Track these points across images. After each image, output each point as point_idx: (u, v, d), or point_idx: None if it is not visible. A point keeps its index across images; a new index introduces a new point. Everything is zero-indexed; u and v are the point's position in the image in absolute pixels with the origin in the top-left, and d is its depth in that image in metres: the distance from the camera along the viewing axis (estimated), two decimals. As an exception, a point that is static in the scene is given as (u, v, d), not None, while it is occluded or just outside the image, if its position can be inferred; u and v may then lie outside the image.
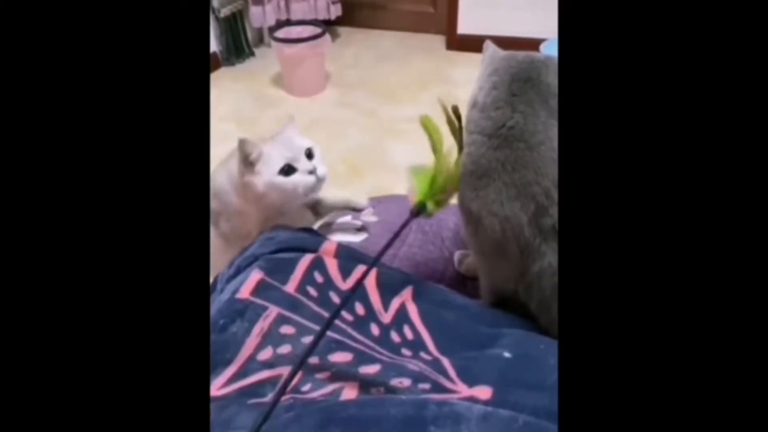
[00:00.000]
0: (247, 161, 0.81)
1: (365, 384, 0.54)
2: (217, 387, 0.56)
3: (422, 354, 0.58)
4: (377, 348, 0.59)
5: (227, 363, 0.58)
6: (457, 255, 0.87)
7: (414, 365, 0.56)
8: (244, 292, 0.64)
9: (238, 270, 0.69)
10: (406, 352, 0.59)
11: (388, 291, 0.65)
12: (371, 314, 0.63)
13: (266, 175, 0.80)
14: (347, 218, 1.00)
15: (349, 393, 0.54)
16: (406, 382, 0.54)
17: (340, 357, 0.57)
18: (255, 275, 0.66)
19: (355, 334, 0.60)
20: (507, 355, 0.55)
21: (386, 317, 0.62)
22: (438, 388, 0.52)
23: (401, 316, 0.62)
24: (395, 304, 0.64)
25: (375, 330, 0.61)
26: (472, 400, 0.49)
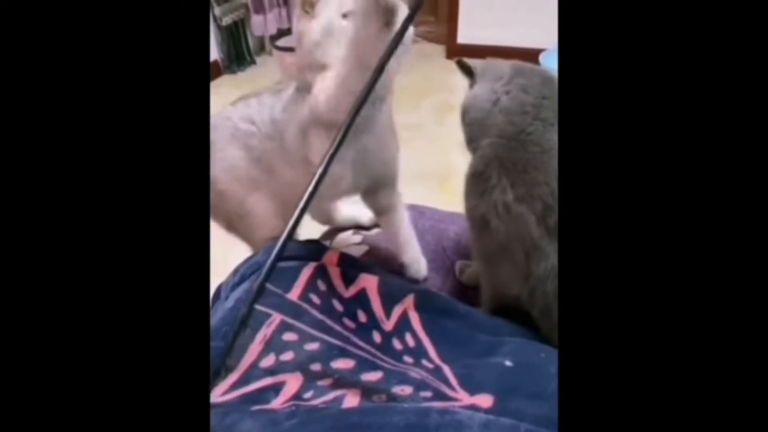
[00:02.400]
0: (306, 2, 0.63)
1: (367, 391, 0.54)
2: (220, 393, 0.56)
3: (424, 361, 0.59)
4: (379, 355, 0.59)
5: (229, 370, 0.58)
6: (458, 265, 0.88)
7: (416, 373, 0.56)
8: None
9: (243, 278, 0.70)
10: (407, 359, 0.59)
11: (389, 298, 0.65)
12: (373, 321, 0.63)
13: (325, 17, 0.62)
14: (348, 233, 1.00)
15: (351, 400, 0.54)
16: (408, 389, 0.54)
17: (342, 364, 0.58)
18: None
19: (357, 340, 0.60)
20: (508, 363, 0.56)
21: (388, 325, 0.63)
22: (439, 395, 0.53)
23: (403, 324, 0.63)
24: (397, 311, 0.64)
25: (377, 337, 0.61)
26: (474, 408, 0.50)
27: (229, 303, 0.67)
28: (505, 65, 0.70)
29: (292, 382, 0.57)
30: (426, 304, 0.66)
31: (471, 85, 0.73)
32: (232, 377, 0.58)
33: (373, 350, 0.60)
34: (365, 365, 0.58)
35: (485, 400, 0.51)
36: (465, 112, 0.71)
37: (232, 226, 0.87)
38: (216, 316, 0.66)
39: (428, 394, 0.53)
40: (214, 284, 0.84)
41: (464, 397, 0.52)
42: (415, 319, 0.63)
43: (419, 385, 0.54)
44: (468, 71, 0.72)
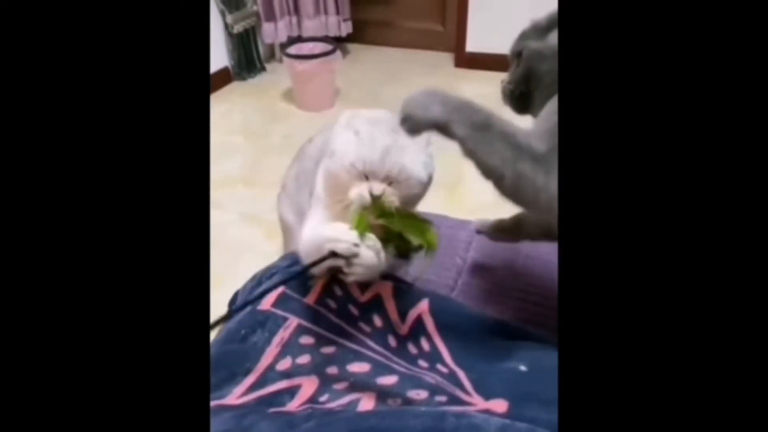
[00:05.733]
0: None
1: (382, 395, 0.55)
2: (237, 396, 0.57)
3: (438, 366, 0.59)
4: (394, 359, 0.60)
5: (247, 372, 0.59)
6: (475, 223, 0.84)
7: (431, 378, 0.56)
8: (266, 304, 0.66)
9: (259, 283, 0.71)
10: (422, 363, 0.60)
11: (404, 303, 0.66)
12: (388, 326, 0.64)
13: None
14: None
15: (367, 404, 0.54)
16: (423, 394, 0.54)
17: (357, 367, 0.59)
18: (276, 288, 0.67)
19: (372, 344, 0.61)
20: (522, 368, 0.56)
21: (403, 329, 0.63)
22: (455, 400, 0.53)
23: (418, 328, 0.63)
24: (412, 316, 0.65)
25: (392, 341, 0.62)
26: (488, 413, 0.50)
27: (247, 307, 0.68)
28: None
29: (308, 385, 0.58)
30: (440, 309, 0.66)
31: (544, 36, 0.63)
32: (249, 379, 0.59)
33: (388, 354, 0.61)
34: (380, 369, 0.58)
35: (500, 406, 0.51)
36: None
37: None
38: (233, 319, 0.67)
39: (443, 398, 0.54)
40: (225, 291, 0.86)
41: (479, 402, 0.53)
42: (429, 323, 0.64)
43: (434, 390, 0.55)
44: None
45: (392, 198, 0.60)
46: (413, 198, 0.64)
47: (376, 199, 0.60)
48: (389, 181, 0.61)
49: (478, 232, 0.83)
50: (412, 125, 0.55)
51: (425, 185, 0.64)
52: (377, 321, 0.64)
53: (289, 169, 0.88)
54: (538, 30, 0.63)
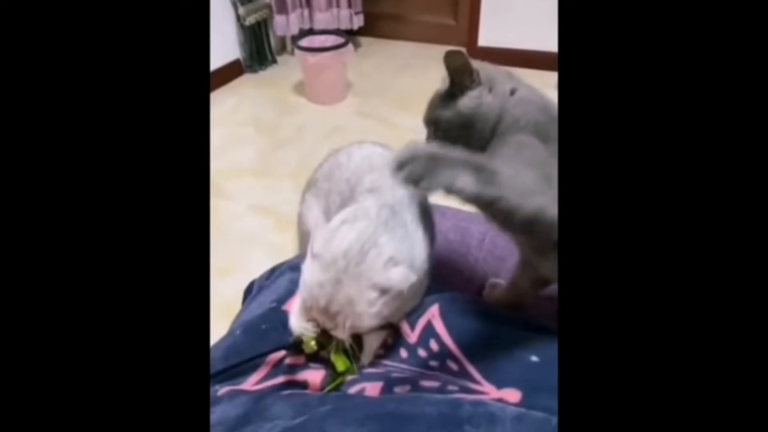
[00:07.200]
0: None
1: (390, 382, 0.55)
2: (252, 384, 0.59)
3: (448, 362, 0.59)
4: (404, 366, 0.60)
5: (257, 366, 0.61)
6: (488, 284, 0.85)
7: (442, 375, 0.57)
8: (290, 305, 0.67)
9: (280, 275, 0.73)
10: (433, 363, 0.59)
11: (414, 316, 0.65)
12: (400, 342, 0.63)
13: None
14: None
15: (372, 389, 0.55)
16: (435, 384, 0.55)
17: (370, 368, 0.59)
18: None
19: (385, 362, 0.62)
20: (534, 358, 0.56)
21: (412, 337, 0.63)
22: (466, 390, 0.53)
23: (428, 333, 0.63)
24: (421, 323, 0.64)
25: (403, 354, 0.62)
26: (502, 402, 0.50)
27: (266, 301, 0.69)
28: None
29: (316, 376, 0.59)
30: (450, 309, 0.65)
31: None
32: (262, 371, 0.60)
33: (399, 365, 0.61)
34: (392, 371, 0.59)
35: (513, 395, 0.51)
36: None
37: None
38: (252, 312, 0.69)
39: (455, 388, 0.54)
40: (235, 280, 0.87)
41: (491, 391, 0.53)
42: (439, 325, 0.63)
43: (446, 381, 0.55)
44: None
45: (341, 336, 0.59)
46: None
47: (329, 331, 0.60)
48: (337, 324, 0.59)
49: (484, 295, 0.83)
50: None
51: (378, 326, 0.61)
52: (388, 339, 0.64)
53: (319, 180, 0.85)
54: (443, 99, 0.68)
